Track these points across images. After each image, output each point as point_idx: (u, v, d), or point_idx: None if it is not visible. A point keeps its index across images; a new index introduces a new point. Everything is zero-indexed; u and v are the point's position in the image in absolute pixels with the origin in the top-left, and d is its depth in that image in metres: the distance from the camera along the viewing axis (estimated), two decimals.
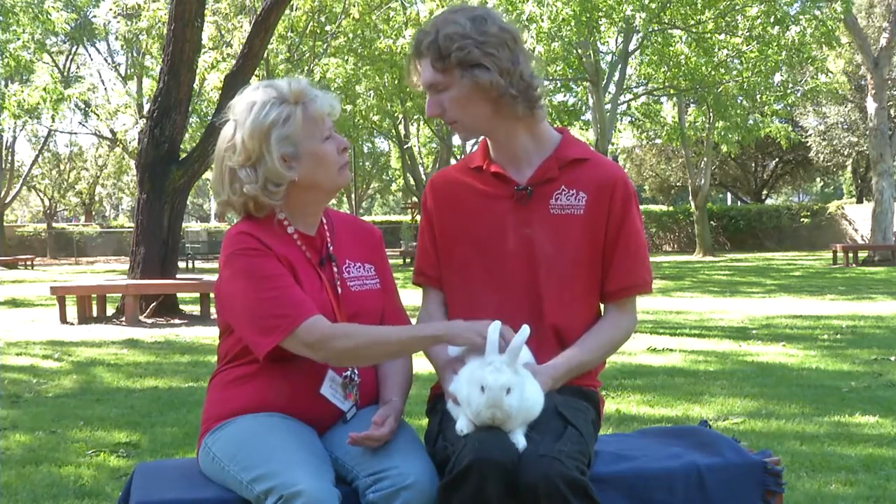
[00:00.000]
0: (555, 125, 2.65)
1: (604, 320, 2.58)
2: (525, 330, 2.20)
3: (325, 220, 2.54)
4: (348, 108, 25.46)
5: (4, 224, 40.36)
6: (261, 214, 2.42)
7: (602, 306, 2.63)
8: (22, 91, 18.69)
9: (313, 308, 2.31)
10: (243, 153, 2.37)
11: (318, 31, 24.91)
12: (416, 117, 30.95)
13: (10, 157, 40.50)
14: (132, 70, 33.05)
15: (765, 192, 45.55)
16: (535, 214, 2.52)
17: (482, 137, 2.62)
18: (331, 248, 2.50)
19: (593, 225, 2.51)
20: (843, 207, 38.56)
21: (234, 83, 12.43)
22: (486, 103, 2.44)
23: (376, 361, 2.46)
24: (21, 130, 38.95)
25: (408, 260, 27.59)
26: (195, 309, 12.85)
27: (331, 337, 2.28)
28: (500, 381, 2.14)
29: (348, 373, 2.42)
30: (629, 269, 2.54)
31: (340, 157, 2.45)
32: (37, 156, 41.38)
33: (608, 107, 21.80)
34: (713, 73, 22.75)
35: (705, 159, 32.76)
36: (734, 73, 23.34)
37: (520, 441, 2.16)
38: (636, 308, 2.63)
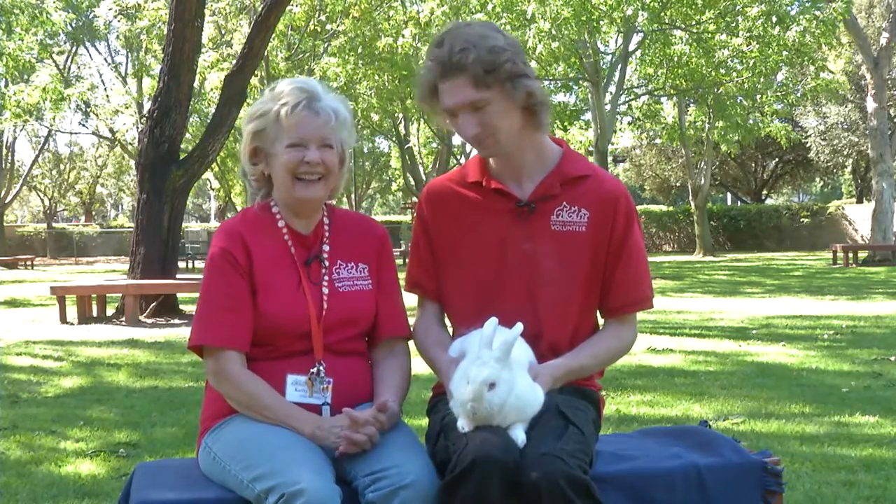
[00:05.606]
0: (555, 125, 2.63)
1: (605, 331, 2.58)
2: (518, 327, 2.20)
3: (327, 220, 2.53)
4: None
5: (4, 224, 40.35)
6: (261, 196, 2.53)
7: (602, 321, 2.63)
8: (22, 91, 18.67)
9: (240, 343, 2.37)
10: (243, 137, 2.51)
11: (319, 31, 24.89)
12: (415, 117, 30.93)
13: (10, 157, 40.50)
14: (133, 67, 33.02)
15: (765, 192, 45.52)
16: (536, 230, 2.51)
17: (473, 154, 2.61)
18: (325, 249, 2.49)
19: (595, 242, 2.50)
20: (843, 207, 38.56)
21: (234, 83, 12.43)
22: (518, 114, 2.43)
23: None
24: (21, 130, 38.98)
25: (407, 260, 27.51)
26: (195, 309, 12.81)
27: (223, 377, 2.37)
28: (482, 376, 2.14)
29: (314, 369, 2.41)
30: (632, 285, 2.54)
31: (299, 168, 2.39)
32: (37, 156, 41.40)
33: (608, 107, 21.78)
34: (713, 73, 22.74)
35: (705, 159, 32.77)
36: (734, 73, 23.33)
37: (518, 436, 2.16)
38: (636, 322, 2.63)
